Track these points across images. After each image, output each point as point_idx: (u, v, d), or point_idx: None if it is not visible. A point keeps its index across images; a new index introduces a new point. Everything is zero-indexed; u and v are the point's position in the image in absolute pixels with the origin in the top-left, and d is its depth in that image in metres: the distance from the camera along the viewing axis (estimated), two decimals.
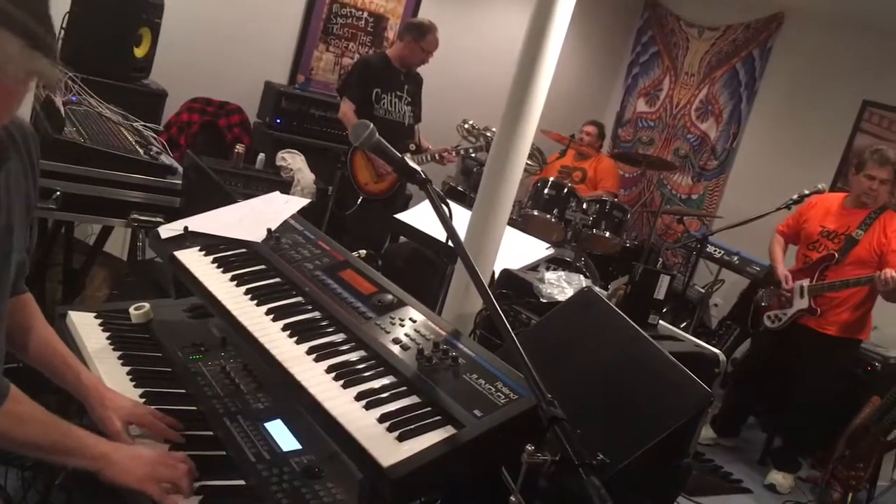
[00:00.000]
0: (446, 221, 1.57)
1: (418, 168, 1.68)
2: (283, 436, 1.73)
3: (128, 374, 1.84)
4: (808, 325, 4.40)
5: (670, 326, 2.83)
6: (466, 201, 5.09)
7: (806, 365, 4.44)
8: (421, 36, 5.04)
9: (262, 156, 5.63)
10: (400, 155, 1.70)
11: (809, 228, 4.48)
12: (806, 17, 6.45)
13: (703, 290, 5.61)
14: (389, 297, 1.74)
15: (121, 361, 1.88)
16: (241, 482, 1.57)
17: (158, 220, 3.08)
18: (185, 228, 2.00)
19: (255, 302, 1.74)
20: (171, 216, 3.06)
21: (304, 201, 2.13)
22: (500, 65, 7.07)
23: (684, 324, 5.16)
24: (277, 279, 1.83)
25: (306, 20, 6.21)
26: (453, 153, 5.30)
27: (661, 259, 6.04)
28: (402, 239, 4.87)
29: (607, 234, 5.40)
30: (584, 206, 5.42)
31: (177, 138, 5.48)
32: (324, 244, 1.94)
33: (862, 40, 6.01)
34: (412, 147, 5.14)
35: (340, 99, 5.12)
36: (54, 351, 1.71)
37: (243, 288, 1.79)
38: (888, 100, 5.86)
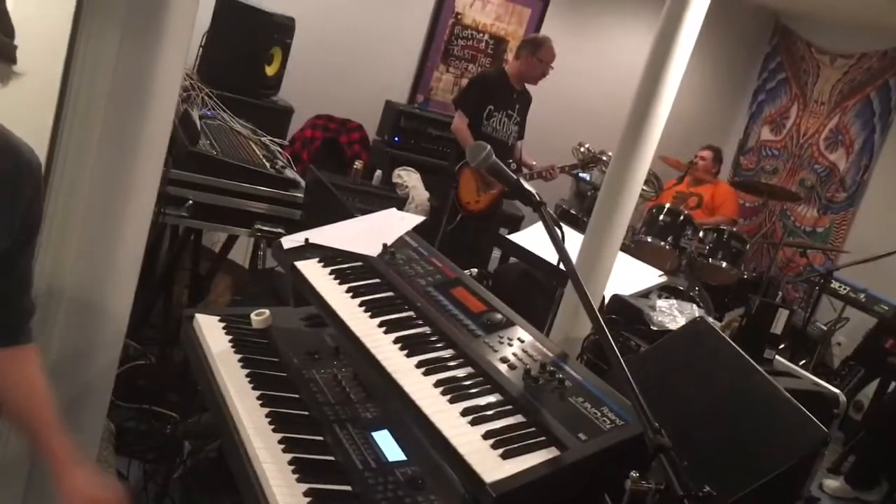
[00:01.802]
0: (559, 244, 1.58)
1: (534, 191, 1.70)
2: (389, 446, 1.77)
3: (246, 376, 1.93)
4: None
5: (787, 363, 2.73)
6: (579, 225, 5.05)
7: None
8: (537, 48, 5.05)
9: (378, 172, 5.78)
10: (516, 177, 1.72)
11: None
12: None
13: (825, 328, 5.36)
14: (499, 316, 1.76)
15: (240, 364, 1.97)
16: (347, 488, 1.62)
17: (280, 231, 3.21)
18: (306, 240, 2.09)
19: (369, 314, 1.80)
20: (293, 228, 3.19)
21: (420, 218, 2.19)
22: (620, 87, 7.00)
23: (803, 361, 4.94)
24: (391, 293, 1.89)
25: (428, 41, 6.34)
26: (556, 170, 5.25)
27: (780, 293, 5.81)
28: (512, 259, 4.88)
29: (724, 264, 5.24)
30: (701, 234, 5.28)
31: (300, 153, 5.68)
32: (437, 261, 1.99)
33: None
34: (512, 165, 5.12)
35: (455, 111, 5.14)
36: (35, 413, 1.50)
37: (358, 300, 1.85)
38: None
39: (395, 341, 1.70)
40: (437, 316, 1.77)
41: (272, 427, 1.75)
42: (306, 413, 1.85)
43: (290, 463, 1.64)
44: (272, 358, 2.05)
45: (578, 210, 5.79)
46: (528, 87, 5.25)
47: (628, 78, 6.91)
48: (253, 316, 2.18)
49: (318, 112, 5.84)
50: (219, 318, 2.20)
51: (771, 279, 5.74)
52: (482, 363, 1.60)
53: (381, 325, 1.76)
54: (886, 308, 5.15)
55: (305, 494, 1.56)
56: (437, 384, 1.56)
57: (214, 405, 1.86)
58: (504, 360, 1.61)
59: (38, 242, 1.54)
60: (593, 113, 6.86)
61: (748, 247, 5.43)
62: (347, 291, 1.89)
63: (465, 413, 1.48)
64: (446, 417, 1.47)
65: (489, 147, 1.69)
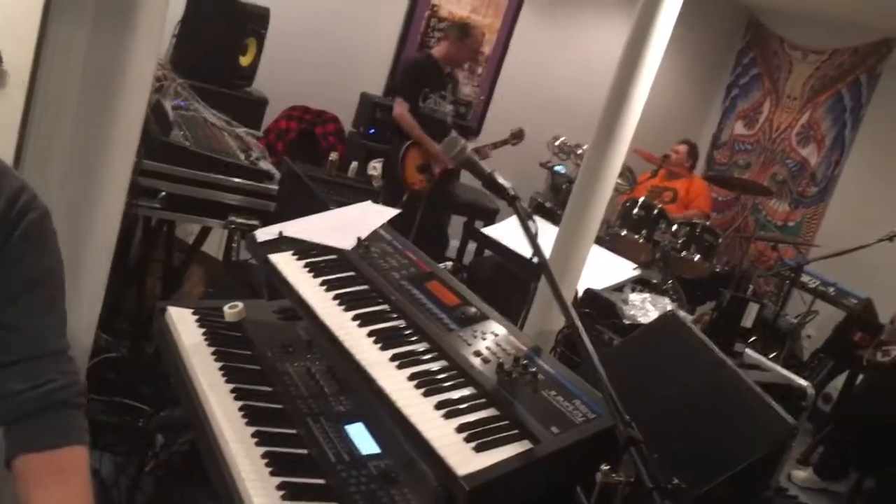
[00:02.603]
0: (532, 238, 1.59)
1: (507, 184, 1.71)
2: (363, 439, 1.78)
3: (220, 369, 1.92)
4: None
5: (757, 355, 2.77)
6: (555, 218, 5.08)
7: None
8: (465, 35, 5.16)
9: (354, 164, 5.75)
10: (489, 171, 1.73)
11: None
12: None
13: (795, 321, 5.43)
14: (473, 309, 1.77)
15: (213, 357, 1.96)
16: (321, 481, 1.62)
17: (254, 222, 3.20)
18: (280, 233, 2.08)
19: (343, 307, 1.80)
20: (267, 220, 3.18)
21: (395, 211, 2.19)
22: (596, 79, 7.03)
23: (774, 354, 5.01)
24: (365, 286, 1.89)
25: (404, 33, 6.32)
26: (489, 150, 5.34)
27: (751, 286, 5.88)
28: (487, 252, 4.91)
29: (697, 257, 5.29)
30: (674, 228, 5.33)
31: (274, 144, 5.65)
32: (411, 254, 1.99)
33: None
34: None
35: (393, 99, 5.23)
36: None
37: (332, 293, 1.85)
38: None
39: (369, 335, 1.70)
40: (412, 309, 1.77)
41: (245, 420, 1.74)
42: (280, 406, 1.84)
43: (264, 456, 1.64)
44: (245, 351, 2.04)
45: (554, 203, 5.82)
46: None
47: (604, 70, 6.94)
48: (226, 309, 2.17)
49: (293, 103, 5.80)
50: (192, 310, 2.18)
51: (743, 273, 5.81)
52: (456, 357, 1.61)
53: (355, 318, 1.76)
54: (856, 301, 5.23)
55: (278, 488, 1.56)
56: (411, 377, 1.56)
57: (187, 398, 1.85)
58: (477, 353, 1.61)
59: (54, 301, 1.29)
60: (569, 105, 6.89)
61: (720, 240, 5.48)
62: (322, 285, 1.88)
63: (438, 406, 1.48)
64: (420, 411, 1.47)
65: (464, 142, 1.70)
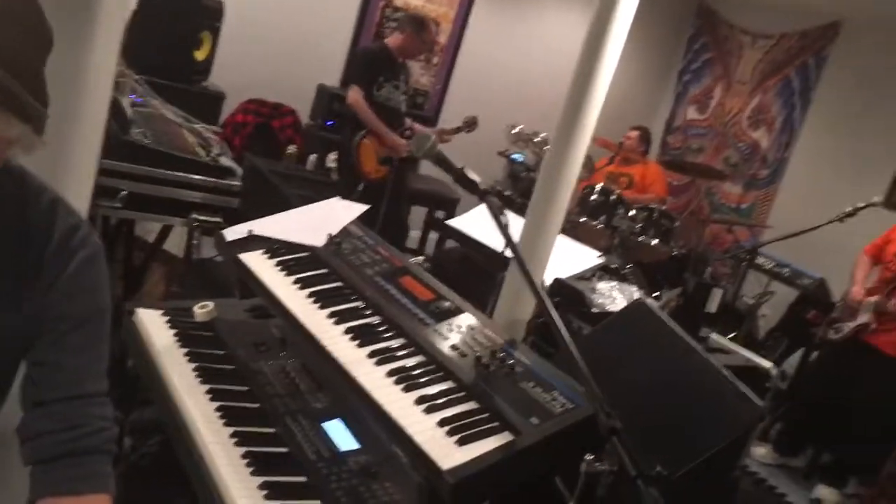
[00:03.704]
0: (506, 233, 1.61)
1: (478, 179, 1.72)
2: (341, 435, 1.79)
3: (194, 370, 1.91)
4: (868, 342, 4.35)
5: (722, 339, 2.83)
6: (513, 206, 5.12)
7: (863, 383, 4.38)
8: (421, 29, 5.14)
9: (312, 157, 5.73)
10: (460, 167, 1.74)
11: (890, 248, 4.43)
12: (863, 26, 6.35)
13: (752, 302, 5.55)
14: (447, 303, 1.79)
15: (187, 358, 1.96)
16: (302, 479, 1.63)
17: (217, 220, 3.17)
18: (250, 232, 2.07)
19: (318, 305, 1.80)
20: (230, 217, 3.16)
21: (363, 207, 2.19)
22: (550, 69, 7.10)
23: (732, 335, 5.12)
24: (339, 283, 1.89)
25: (359, 24, 6.29)
26: (444, 135, 5.36)
27: (709, 268, 5.99)
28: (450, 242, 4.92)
29: (654, 242, 5.37)
30: (632, 213, 5.40)
31: (231, 138, 5.58)
32: (383, 250, 2.00)
33: None
34: (407, 133, 5.21)
35: (348, 87, 5.18)
36: None
37: (306, 291, 1.86)
38: None
39: (346, 332, 1.71)
40: (387, 305, 1.78)
41: (223, 421, 1.74)
42: (256, 406, 1.84)
43: (244, 457, 1.64)
44: (218, 351, 2.03)
45: (513, 191, 5.85)
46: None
47: (559, 58, 7.02)
48: (196, 309, 2.16)
49: (248, 97, 5.74)
50: (161, 311, 2.17)
51: (699, 256, 5.91)
52: (433, 352, 1.63)
53: (330, 315, 1.76)
54: (810, 281, 5.36)
55: (261, 487, 1.56)
56: (390, 374, 1.58)
57: (162, 401, 1.84)
58: (455, 347, 1.63)
59: (96, 342, 1.25)
60: (526, 94, 6.93)
61: (677, 224, 5.58)
62: (295, 283, 1.88)
63: (419, 402, 1.50)
64: (401, 407, 1.49)
65: (434, 138, 1.71)
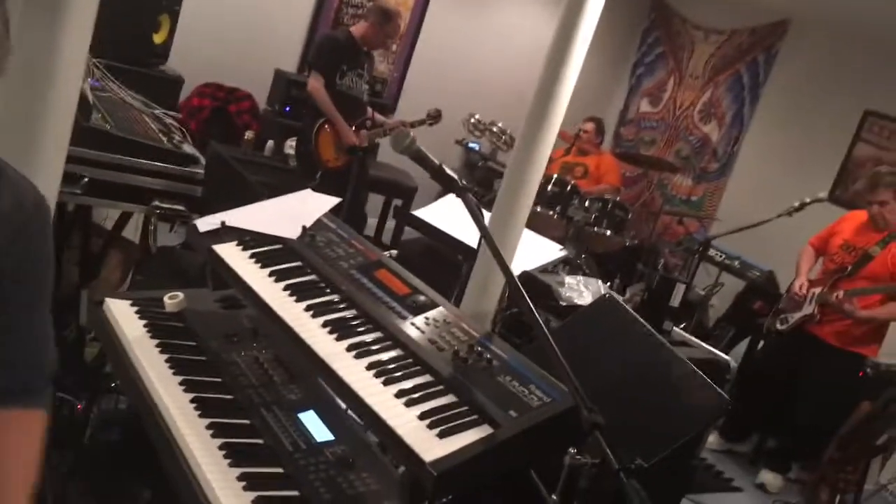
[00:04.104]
0: (485, 230, 1.64)
1: (455, 176, 1.75)
2: (316, 427, 1.81)
3: (166, 361, 1.91)
4: (813, 333, 4.50)
5: (683, 333, 2.92)
6: (454, 190, 5.14)
7: (806, 372, 4.54)
8: (385, 21, 5.12)
9: (270, 143, 5.69)
10: (438, 162, 1.77)
11: (834, 241, 4.59)
12: (811, 25, 6.53)
13: (703, 293, 5.70)
14: (423, 297, 1.81)
15: (158, 350, 1.95)
16: (280, 470, 1.65)
17: (179, 207, 3.14)
18: (223, 223, 2.07)
19: (294, 298, 1.81)
20: (192, 205, 3.13)
21: (335, 200, 2.20)
22: (508, 59, 7.14)
23: (683, 325, 5.26)
24: (314, 276, 1.90)
25: (317, 9, 6.25)
26: (407, 126, 5.36)
27: (662, 260, 6.13)
28: (408, 231, 4.91)
29: (608, 232, 5.47)
30: (587, 203, 5.48)
31: (187, 122, 5.50)
32: (357, 244, 2.02)
33: (865, 50, 6.09)
34: (368, 123, 5.22)
35: (309, 73, 5.16)
36: None
37: (282, 284, 1.86)
38: (890, 110, 5.95)
39: (324, 325, 1.72)
40: (363, 299, 1.80)
41: (198, 413, 1.75)
42: (230, 397, 1.85)
43: (221, 448, 1.65)
44: (190, 342, 2.03)
45: (469, 180, 5.89)
46: None
47: (517, 49, 7.07)
48: (166, 299, 2.15)
49: (205, 81, 5.67)
50: (130, 301, 2.15)
51: (651, 246, 6.04)
52: (411, 345, 1.65)
53: (307, 308, 1.78)
54: (759, 274, 5.52)
55: (239, 479, 1.58)
56: (370, 367, 1.60)
57: (136, 393, 1.84)
58: (432, 341, 1.66)
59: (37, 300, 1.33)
60: (483, 83, 6.97)
61: (630, 215, 5.68)
62: (270, 275, 1.89)
63: (399, 395, 1.53)
64: (382, 400, 1.51)
65: (413, 135, 1.73)
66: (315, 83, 4.96)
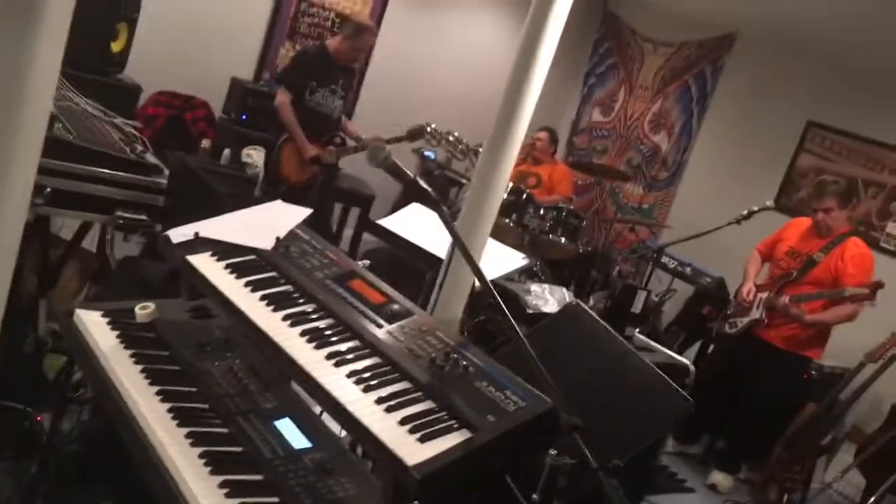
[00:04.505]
0: (458, 239, 1.70)
1: (430, 189, 1.81)
2: (293, 434, 1.85)
3: (141, 372, 1.93)
4: (761, 337, 4.66)
5: (644, 338, 3.01)
6: (427, 203, 5.21)
7: (755, 375, 4.68)
8: (356, 35, 5.15)
9: (227, 151, 5.66)
10: (412, 176, 1.82)
11: (779, 247, 4.75)
12: (756, 38, 6.75)
13: (656, 299, 5.84)
14: (397, 306, 1.86)
15: (133, 360, 1.96)
16: (260, 477, 1.68)
17: (142, 217, 3.14)
18: (196, 234, 2.09)
19: (272, 308, 1.85)
20: (155, 214, 3.13)
21: (308, 211, 2.24)
22: (463, 70, 7.23)
23: (637, 329, 5.38)
24: (290, 286, 1.94)
25: (274, 18, 6.25)
26: (383, 142, 5.40)
27: (617, 267, 6.26)
28: (367, 237, 4.93)
29: (563, 240, 5.58)
30: (542, 212, 5.59)
31: (142, 131, 5.46)
32: (331, 254, 2.06)
33: (808, 64, 6.32)
34: (337, 140, 5.24)
35: (278, 87, 5.18)
36: None
37: (258, 294, 1.89)
38: (831, 121, 6.18)
39: (302, 334, 1.76)
40: (340, 308, 1.84)
41: (176, 422, 1.77)
42: (207, 406, 1.88)
43: (201, 456, 1.68)
44: (163, 352, 2.05)
45: None
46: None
47: (473, 59, 7.16)
48: (137, 310, 2.16)
49: (159, 88, 5.63)
50: (101, 312, 2.16)
51: (604, 253, 6.17)
52: (389, 353, 1.70)
53: (285, 318, 1.81)
54: (710, 280, 5.68)
55: (220, 486, 1.61)
56: (350, 375, 1.64)
57: (112, 404, 1.85)
58: (409, 349, 1.71)
59: None
60: (439, 94, 7.03)
61: (584, 223, 5.81)
62: (246, 286, 1.92)
63: (379, 402, 1.57)
64: (362, 406, 1.56)
65: (388, 150, 1.77)
66: (282, 97, 4.98)
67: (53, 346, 3.53)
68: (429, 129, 5.82)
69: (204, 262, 2.01)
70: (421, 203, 3.06)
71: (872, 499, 4.17)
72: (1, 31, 1.84)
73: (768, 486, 4.61)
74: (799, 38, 6.23)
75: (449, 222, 1.73)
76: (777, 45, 6.52)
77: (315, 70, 5.07)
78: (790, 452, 4.55)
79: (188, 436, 1.73)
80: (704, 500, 4.64)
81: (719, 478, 4.78)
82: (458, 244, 1.66)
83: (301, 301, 1.88)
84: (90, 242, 4.03)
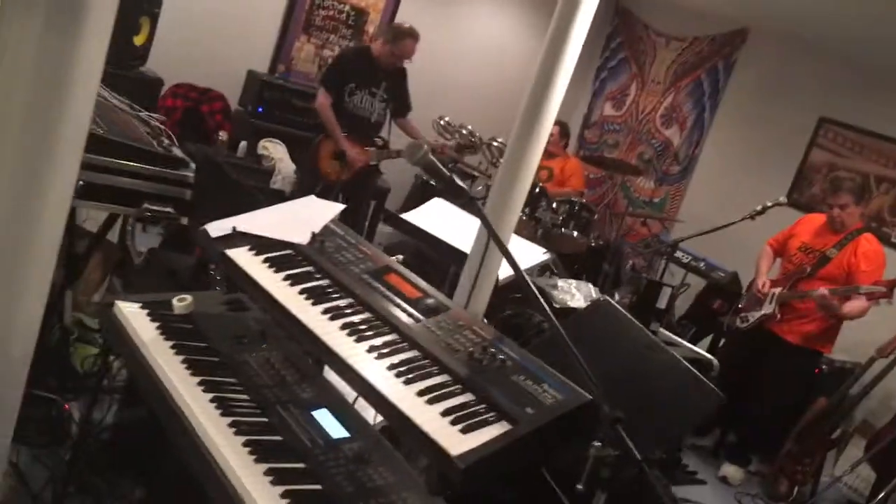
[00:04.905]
0: (495, 235, 1.75)
1: (466, 187, 1.85)
2: (330, 424, 1.90)
3: (182, 362, 1.98)
4: (773, 331, 4.69)
5: (669, 333, 3.06)
6: (436, 195, 5.22)
7: (767, 369, 4.72)
8: (393, 40, 5.13)
9: (243, 144, 5.72)
10: (449, 174, 1.87)
11: (792, 243, 4.79)
12: (769, 34, 6.76)
13: (670, 293, 5.87)
14: (433, 301, 1.91)
15: (173, 351, 2.02)
16: (302, 465, 1.73)
17: (169, 210, 3.18)
18: (234, 228, 2.14)
19: (311, 302, 1.90)
20: (181, 208, 3.18)
21: (341, 206, 2.28)
22: (478, 62, 7.26)
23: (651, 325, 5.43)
24: (327, 280, 1.99)
25: (289, 11, 6.29)
26: (448, 149, 5.40)
27: (630, 261, 6.30)
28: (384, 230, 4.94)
29: (575, 233, 5.63)
30: (554, 205, 5.63)
31: (164, 124, 5.51)
32: (365, 248, 2.10)
33: (820, 60, 6.33)
34: (379, 142, 5.24)
35: (319, 89, 5.17)
36: None
37: (297, 288, 1.94)
38: (843, 117, 6.20)
39: (342, 328, 1.81)
40: (377, 302, 1.89)
41: (220, 412, 1.82)
42: (247, 396, 1.93)
43: (245, 445, 1.73)
44: (202, 343, 2.10)
45: (438, 181, 5.97)
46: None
47: (487, 52, 7.18)
48: (175, 301, 2.21)
49: (177, 81, 5.67)
50: (140, 304, 2.21)
51: (616, 247, 6.21)
52: (428, 346, 1.75)
53: (324, 312, 1.86)
54: (723, 275, 5.71)
55: (266, 474, 1.66)
56: (390, 368, 1.69)
57: (155, 394, 1.90)
58: (447, 343, 1.76)
59: None
60: (452, 86, 7.06)
61: (596, 217, 5.85)
62: (285, 279, 1.97)
63: (420, 394, 1.62)
64: (404, 398, 1.61)
65: (426, 147, 1.82)
66: (322, 99, 4.99)
67: (79, 335, 3.59)
68: (442, 122, 5.85)
69: (242, 256, 2.06)
70: (444, 199, 3.12)
71: (882, 493, 4.22)
72: (48, 26, 1.88)
73: (779, 478, 4.67)
74: (811, 34, 6.25)
75: (486, 220, 1.78)
76: (789, 40, 6.53)
77: (354, 71, 5.04)
78: (801, 446, 4.60)
79: (231, 425, 1.78)
80: (716, 492, 4.68)
81: (730, 470, 4.83)
82: (496, 241, 1.71)
83: (339, 295, 1.93)
84: (112, 233, 4.09)
